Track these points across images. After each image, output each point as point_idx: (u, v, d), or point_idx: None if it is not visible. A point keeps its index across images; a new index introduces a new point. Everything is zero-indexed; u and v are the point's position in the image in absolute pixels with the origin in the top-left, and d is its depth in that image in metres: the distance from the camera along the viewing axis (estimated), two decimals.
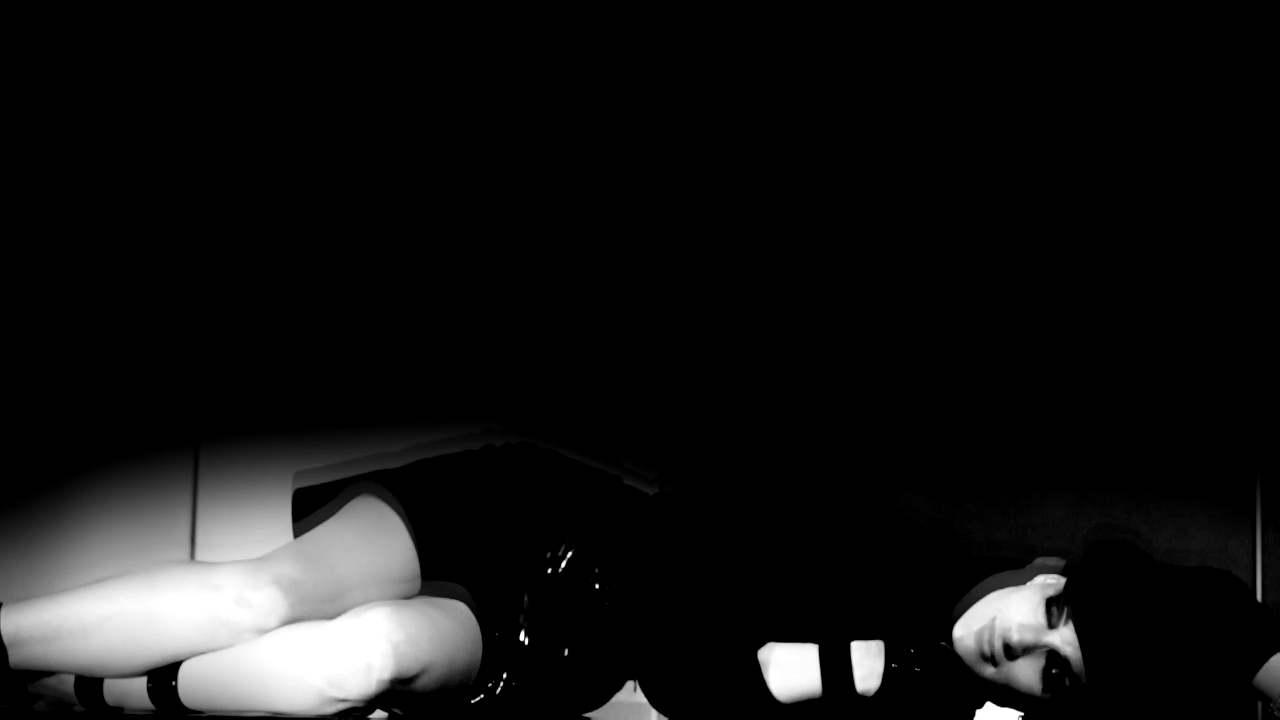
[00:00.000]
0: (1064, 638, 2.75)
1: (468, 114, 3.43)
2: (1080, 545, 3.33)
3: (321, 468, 3.04)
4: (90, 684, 2.81)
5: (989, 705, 2.87)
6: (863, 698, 2.84)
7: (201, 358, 3.37)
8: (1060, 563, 2.95)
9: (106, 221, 3.36)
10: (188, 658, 2.78)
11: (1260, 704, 2.86)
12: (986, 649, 2.79)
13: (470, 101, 3.44)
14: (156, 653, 2.77)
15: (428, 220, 3.43)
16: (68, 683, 2.82)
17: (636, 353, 3.41)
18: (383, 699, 2.76)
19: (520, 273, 3.42)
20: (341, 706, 2.74)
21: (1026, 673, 2.77)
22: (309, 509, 2.98)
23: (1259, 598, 3.23)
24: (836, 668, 2.83)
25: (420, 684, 2.76)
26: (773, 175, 3.41)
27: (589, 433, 3.21)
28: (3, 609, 2.73)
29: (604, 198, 3.43)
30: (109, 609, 2.74)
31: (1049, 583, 2.82)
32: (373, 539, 2.89)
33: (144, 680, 2.80)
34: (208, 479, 3.31)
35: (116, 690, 2.81)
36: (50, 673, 2.80)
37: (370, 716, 2.79)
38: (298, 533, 2.97)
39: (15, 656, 2.72)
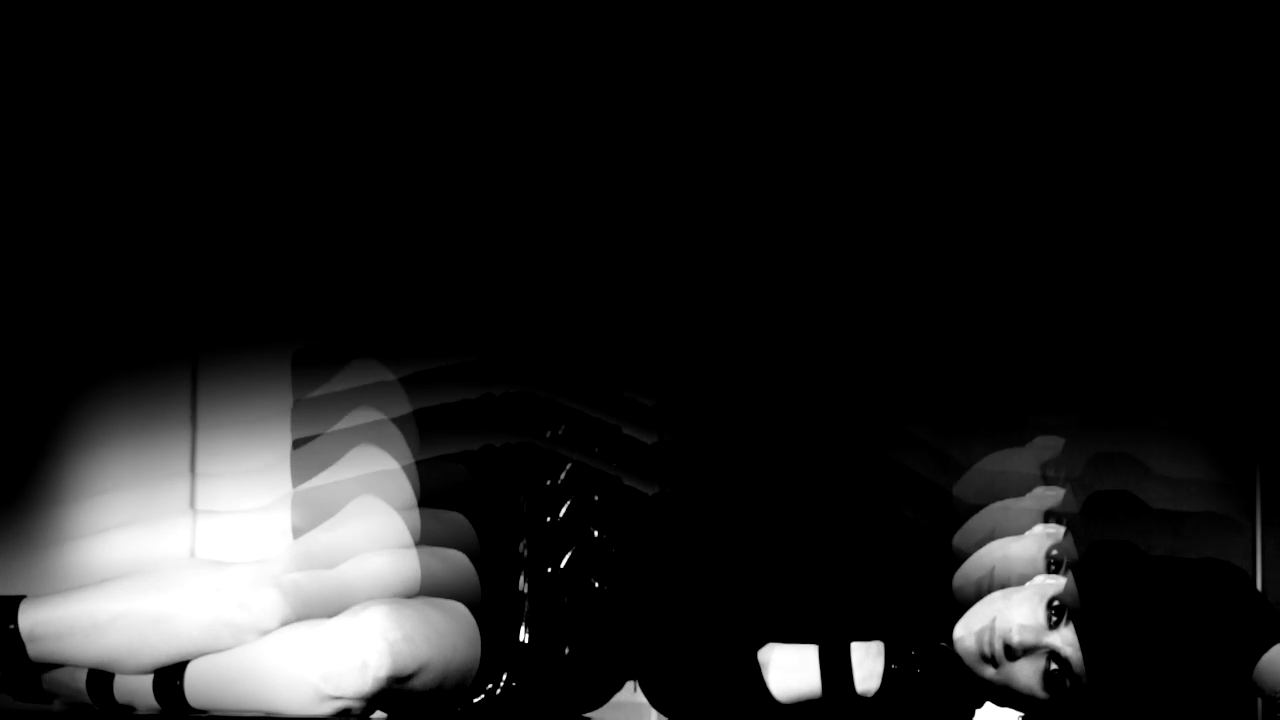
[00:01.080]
0: (1064, 638, 2.75)
1: (479, 44, 3.40)
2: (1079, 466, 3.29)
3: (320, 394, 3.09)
4: (101, 683, 2.86)
5: (989, 705, 2.87)
6: (862, 698, 2.84)
7: (200, 272, 3.36)
8: (1060, 441, 2.94)
9: (103, 133, 3.35)
10: (194, 656, 2.83)
11: (1260, 699, 2.87)
12: (987, 650, 2.79)
13: (476, 36, 3.41)
14: (163, 651, 2.83)
15: (431, 152, 3.39)
16: (80, 679, 2.86)
17: (637, 286, 3.36)
18: (381, 699, 2.77)
19: (523, 197, 3.39)
20: (339, 705, 2.76)
21: (1027, 673, 2.77)
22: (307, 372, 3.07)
23: None
24: (836, 668, 2.83)
25: (417, 683, 2.77)
26: (765, 121, 3.38)
27: (589, 361, 3.18)
28: (20, 605, 2.82)
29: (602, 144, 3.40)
30: (118, 608, 2.82)
31: (1049, 583, 2.82)
32: (375, 537, 2.92)
33: (151, 678, 2.85)
34: (206, 392, 3.31)
35: (126, 689, 2.86)
36: (62, 666, 2.87)
37: (372, 717, 2.81)
38: (295, 473, 3.04)
39: (33, 650, 2.82)
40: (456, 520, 2.99)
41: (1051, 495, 2.91)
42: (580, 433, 3.08)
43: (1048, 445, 2.96)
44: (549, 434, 3.05)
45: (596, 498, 3.03)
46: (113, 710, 2.86)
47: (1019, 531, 2.88)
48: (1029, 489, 2.99)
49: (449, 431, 3.05)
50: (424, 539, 2.94)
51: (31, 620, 2.81)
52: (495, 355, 3.15)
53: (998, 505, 2.97)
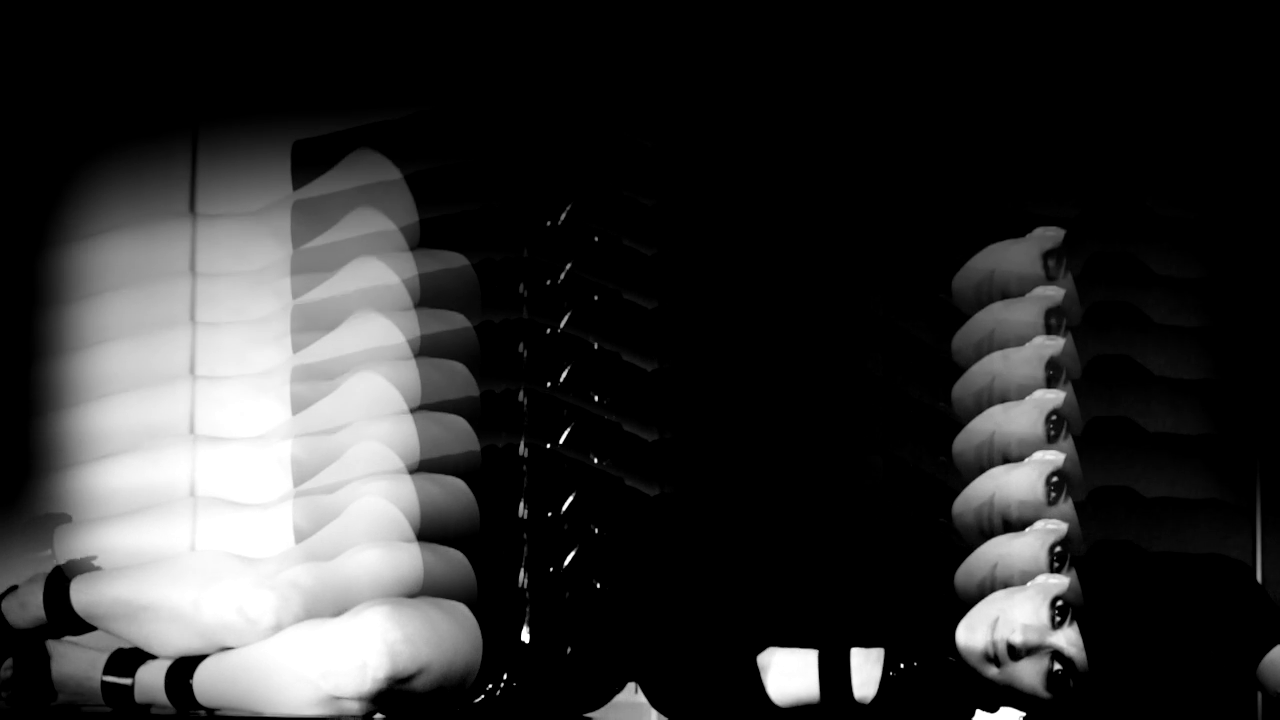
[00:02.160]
0: (1068, 638, 2.75)
1: None
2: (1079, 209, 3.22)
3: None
4: (120, 687, 2.90)
5: None
6: (861, 704, 2.83)
7: (200, 35, 3.31)
8: (1060, 232, 2.92)
9: None
10: (209, 651, 2.88)
11: (1260, 695, 2.87)
12: (990, 650, 2.78)
13: None
14: (182, 642, 2.88)
15: None
16: (95, 679, 2.91)
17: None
18: (381, 699, 2.78)
19: None
20: (340, 706, 2.77)
21: (1030, 673, 2.77)
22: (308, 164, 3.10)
23: None
24: (835, 674, 2.82)
25: (417, 684, 2.78)
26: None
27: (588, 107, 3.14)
28: (71, 586, 2.92)
29: None
30: (146, 599, 2.89)
31: (1052, 583, 2.81)
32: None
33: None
34: (206, 161, 3.29)
35: (146, 689, 2.90)
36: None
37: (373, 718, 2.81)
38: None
39: (95, 624, 2.94)
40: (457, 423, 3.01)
41: (1051, 345, 2.89)
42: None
43: (1048, 236, 2.93)
44: (550, 282, 3.07)
45: (598, 496, 3.04)
46: (130, 710, 2.90)
47: (1020, 349, 2.86)
48: (1028, 289, 2.95)
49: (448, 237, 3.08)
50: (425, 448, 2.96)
51: (81, 602, 2.91)
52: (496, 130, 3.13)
53: (998, 355, 2.93)
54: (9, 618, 2.95)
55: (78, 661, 2.92)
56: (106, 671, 2.91)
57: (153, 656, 2.92)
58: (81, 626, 2.93)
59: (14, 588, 2.97)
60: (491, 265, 3.08)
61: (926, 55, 3.14)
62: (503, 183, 3.10)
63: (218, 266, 3.09)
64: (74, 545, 2.97)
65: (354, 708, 2.77)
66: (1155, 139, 3.16)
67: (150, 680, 2.90)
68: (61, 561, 2.96)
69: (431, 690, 2.80)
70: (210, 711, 2.89)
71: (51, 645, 2.95)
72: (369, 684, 2.75)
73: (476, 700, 2.90)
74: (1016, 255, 2.97)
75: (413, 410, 2.94)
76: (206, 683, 2.87)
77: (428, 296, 3.02)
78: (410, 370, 2.95)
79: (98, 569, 2.95)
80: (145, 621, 2.89)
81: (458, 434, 2.99)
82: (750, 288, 3.07)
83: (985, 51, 3.16)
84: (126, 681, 2.91)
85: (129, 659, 2.92)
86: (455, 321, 3.04)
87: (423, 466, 2.94)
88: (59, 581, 2.93)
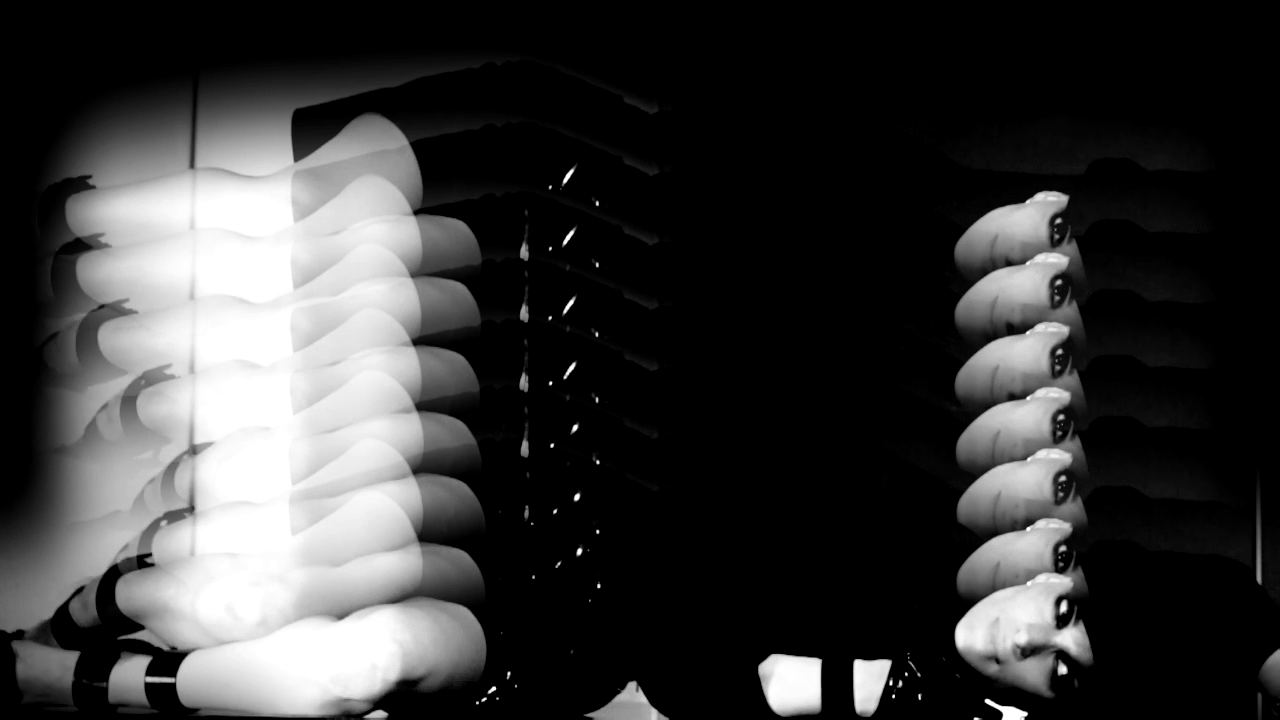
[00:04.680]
0: (1073, 638, 2.75)
1: None
2: (1080, 167, 3.21)
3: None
4: (93, 682, 2.85)
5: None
6: (863, 717, 2.83)
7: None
8: (1063, 198, 2.90)
9: None
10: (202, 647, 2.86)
11: (1260, 697, 2.87)
12: (992, 650, 2.78)
13: None
14: (190, 639, 2.86)
15: None
16: (67, 681, 2.86)
17: None
18: (385, 699, 2.78)
19: None
20: (345, 707, 2.77)
21: (1033, 673, 2.77)
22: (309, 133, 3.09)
23: None
24: (837, 687, 2.82)
25: (425, 686, 2.78)
26: None
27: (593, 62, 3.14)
28: (117, 586, 2.90)
29: None
30: (164, 598, 2.86)
31: (1055, 582, 2.81)
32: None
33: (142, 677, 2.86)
34: (207, 108, 3.29)
35: (121, 689, 2.85)
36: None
37: (370, 716, 2.81)
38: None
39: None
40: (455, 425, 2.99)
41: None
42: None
43: (1050, 200, 2.91)
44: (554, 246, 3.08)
45: (601, 495, 3.03)
46: (102, 711, 2.86)
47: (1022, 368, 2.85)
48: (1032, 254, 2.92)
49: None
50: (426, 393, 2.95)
51: (122, 599, 2.89)
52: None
53: (1003, 341, 2.91)
54: (74, 616, 2.95)
55: (46, 663, 2.88)
56: (78, 673, 2.86)
57: (125, 656, 2.88)
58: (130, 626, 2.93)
59: (79, 590, 2.97)
60: (492, 264, 3.07)
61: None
62: (505, 148, 3.10)
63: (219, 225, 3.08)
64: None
65: (358, 708, 2.77)
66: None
67: (125, 681, 2.85)
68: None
69: (437, 692, 2.81)
70: (192, 712, 2.87)
71: (18, 646, 2.90)
72: (380, 685, 2.75)
73: (478, 700, 2.90)
74: (1020, 220, 2.94)
75: (415, 406, 2.93)
76: (192, 683, 2.84)
77: (429, 262, 3.01)
78: (412, 362, 2.94)
79: (139, 565, 2.94)
80: (164, 619, 2.86)
81: (457, 434, 2.98)
82: (755, 286, 3.07)
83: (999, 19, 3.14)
84: (100, 685, 2.86)
85: (101, 660, 2.88)
86: (455, 291, 3.03)
87: (423, 467, 2.93)
88: (109, 582, 2.92)
